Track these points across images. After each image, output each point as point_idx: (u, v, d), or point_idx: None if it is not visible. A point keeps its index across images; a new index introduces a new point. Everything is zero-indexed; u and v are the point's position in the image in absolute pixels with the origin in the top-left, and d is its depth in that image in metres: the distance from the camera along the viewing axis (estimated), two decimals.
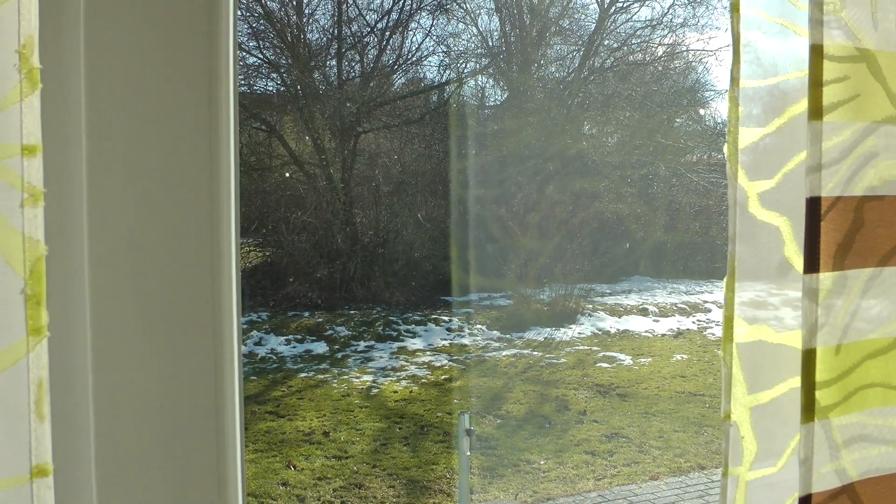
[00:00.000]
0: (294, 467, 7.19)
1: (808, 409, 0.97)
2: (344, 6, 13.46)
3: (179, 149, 0.87)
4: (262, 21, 12.96)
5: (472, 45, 14.50)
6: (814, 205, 0.97)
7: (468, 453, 5.67)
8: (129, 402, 0.80)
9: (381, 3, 13.48)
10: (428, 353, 11.10)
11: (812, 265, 0.97)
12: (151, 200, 0.85)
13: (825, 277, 0.98)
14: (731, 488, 1.03)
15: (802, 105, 1.04)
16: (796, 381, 1.04)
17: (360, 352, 11.07)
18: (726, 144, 1.02)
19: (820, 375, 0.98)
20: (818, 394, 0.97)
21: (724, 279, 1.01)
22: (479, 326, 12.32)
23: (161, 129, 0.86)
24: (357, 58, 13.91)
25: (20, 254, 0.71)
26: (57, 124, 0.81)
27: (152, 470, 0.81)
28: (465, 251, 13.02)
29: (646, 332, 12.41)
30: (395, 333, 11.88)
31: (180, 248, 0.85)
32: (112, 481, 0.78)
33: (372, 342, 11.48)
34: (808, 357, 0.97)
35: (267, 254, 13.63)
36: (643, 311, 13.45)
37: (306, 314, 12.42)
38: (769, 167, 1.01)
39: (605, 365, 10.50)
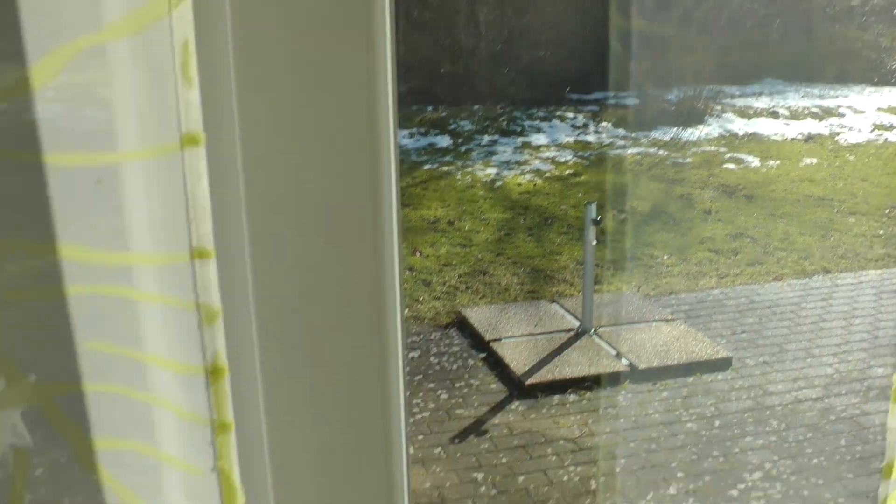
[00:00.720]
0: (420, 254, 7.34)
1: None
2: None
3: None
4: None
5: None
6: None
7: (594, 243, 5.68)
8: (276, 140, 0.72)
9: None
10: (552, 148, 11.06)
11: None
12: None
13: None
14: None
15: None
16: None
17: (484, 146, 11.09)
18: None
19: None
20: None
21: None
22: (604, 124, 12.18)
23: None
24: None
25: None
26: None
27: (308, 244, 0.73)
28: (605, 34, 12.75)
29: (775, 135, 12.09)
30: (519, 129, 11.84)
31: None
32: (265, 264, 0.72)
33: (496, 137, 11.47)
34: None
35: None
36: (773, 114, 13.09)
37: (430, 108, 12.43)
38: None
39: (731, 166, 10.31)
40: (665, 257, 7.31)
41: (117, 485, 0.69)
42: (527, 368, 5.27)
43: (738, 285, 6.79)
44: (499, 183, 9.58)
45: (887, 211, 8.70)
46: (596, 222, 5.59)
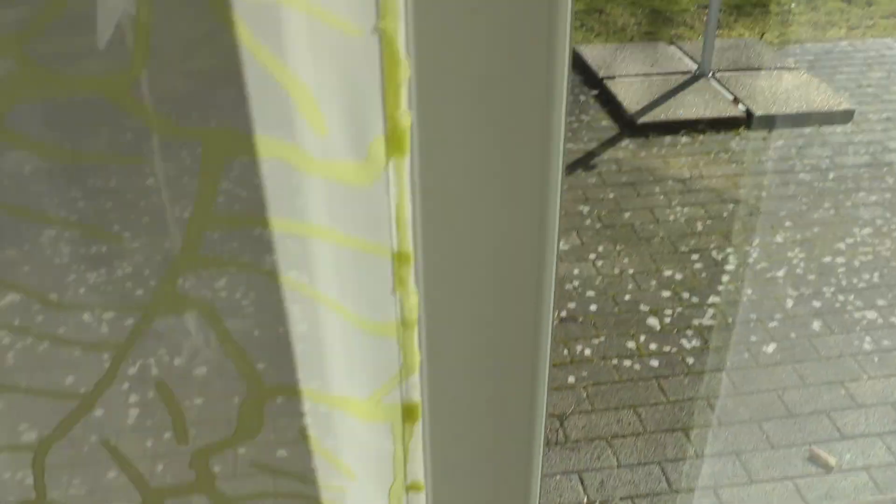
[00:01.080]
0: None
1: None
2: None
3: None
4: None
5: None
6: None
7: None
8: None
9: None
10: None
11: None
12: None
13: None
14: None
15: None
16: None
17: None
18: None
19: None
20: None
21: None
22: None
23: None
24: None
25: None
26: None
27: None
28: None
29: None
30: None
31: None
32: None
33: None
34: None
35: None
36: None
37: None
38: None
39: None
40: (792, 5, 6.96)
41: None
42: (640, 107, 5.17)
43: (868, 38, 6.46)
44: None
45: None
46: None
